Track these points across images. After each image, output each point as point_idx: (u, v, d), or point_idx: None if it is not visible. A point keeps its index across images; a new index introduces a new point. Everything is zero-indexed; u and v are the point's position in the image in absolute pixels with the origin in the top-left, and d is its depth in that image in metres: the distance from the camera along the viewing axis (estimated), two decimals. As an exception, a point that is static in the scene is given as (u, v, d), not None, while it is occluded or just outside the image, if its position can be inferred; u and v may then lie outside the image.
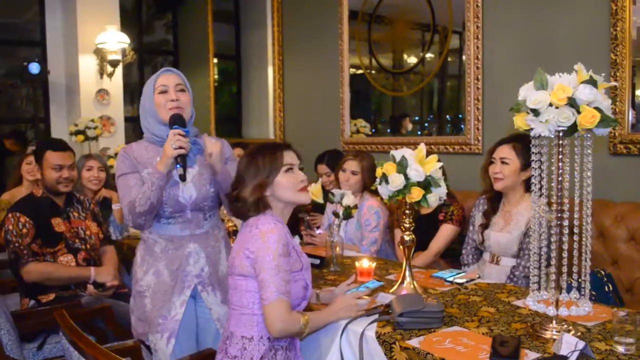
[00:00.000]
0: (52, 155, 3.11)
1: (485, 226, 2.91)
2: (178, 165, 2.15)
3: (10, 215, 2.99)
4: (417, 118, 4.78)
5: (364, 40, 4.94)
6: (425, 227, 3.21)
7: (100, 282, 3.07)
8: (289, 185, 1.98)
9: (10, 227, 2.96)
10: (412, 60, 4.66)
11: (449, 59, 4.31)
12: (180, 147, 2.14)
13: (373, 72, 4.93)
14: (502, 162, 2.81)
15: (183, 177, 2.17)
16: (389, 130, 4.99)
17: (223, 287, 2.33)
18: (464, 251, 3.09)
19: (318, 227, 3.72)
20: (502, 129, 3.33)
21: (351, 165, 3.47)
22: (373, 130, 5.03)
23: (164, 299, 2.28)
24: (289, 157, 2.01)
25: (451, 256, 3.29)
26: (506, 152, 2.82)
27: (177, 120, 2.21)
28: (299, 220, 3.78)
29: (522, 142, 2.76)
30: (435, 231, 3.27)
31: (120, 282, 3.60)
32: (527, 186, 2.78)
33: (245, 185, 1.98)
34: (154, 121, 2.31)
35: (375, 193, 3.39)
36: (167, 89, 2.28)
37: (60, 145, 3.19)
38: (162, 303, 2.28)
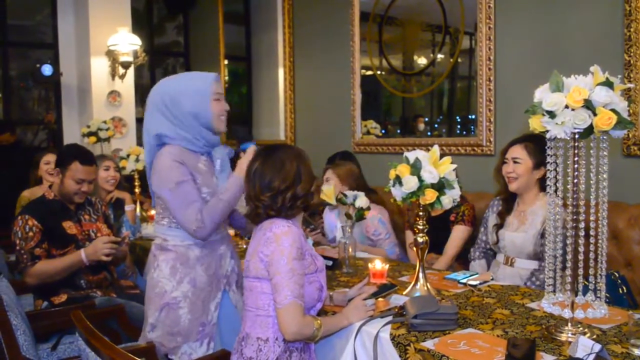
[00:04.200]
0: (78, 167, 3.05)
1: (499, 226, 2.91)
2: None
3: (19, 217, 2.99)
4: (426, 119, 4.77)
5: (375, 42, 4.94)
6: (436, 228, 3.21)
7: (94, 259, 2.96)
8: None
9: (18, 230, 2.96)
10: (422, 61, 4.65)
11: (460, 60, 4.31)
12: None
13: (383, 73, 4.92)
14: (515, 162, 2.83)
15: None
16: (398, 131, 4.99)
17: None
18: (472, 249, 3.11)
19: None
20: (514, 130, 3.32)
21: (326, 174, 3.63)
22: (383, 131, 5.03)
23: (203, 306, 2.29)
24: None
25: (464, 257, 3.29)
26: (518, 151, 2.84)
27: (244, 135, 2.31)
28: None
29: (534, 141, 2.80)
30: (447, 232, 3.27)
31: (134, 283, 3.63)
32: (541, 185, 2.80)
33: (304, 182, 1.99)
34: (203, 128, 2.31)
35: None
36: (221, 97, 2.33)
37: (89, 159, 3.12)
38: (201, 311, 2.29)
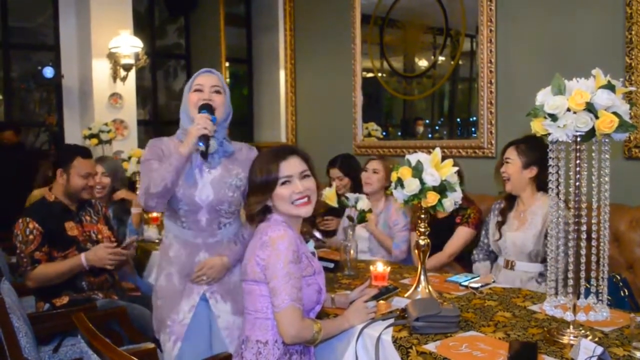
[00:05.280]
0: (81, 162, 3.09)
1: (502, 223, 2.93)
2: (201, 143, 2.18)
3: (20, 220, 2.98)
4: (427, 121, 4.77)
5: (376, 44, 4.95)
6: (442, 230, 3.21)
7: (96, 266, 2.98)
8: (285, 199, 1.94)
9: (18, 232, 2.95)
10: (423, 63, 4.66)
11: (461, 63, 4.31)
12: (205, 128, 2.17)
13: (385, 75, 4.93)
14: (506, 162, 2.90)
15: (205, 154, 2.20)
16: (399, 134, 5.00)
17: (235, 297, 2.32)
18: (474, 251, 3.12)
19: (333, 231, 3.75)
20: (515, 133, 3.32)
21: (373, 164, 3.58)
22: (384, 133, 5.03)
23: (172, 303, 2.31)
24: (288, 167, 1.96)
25: (466, 260, 3.28)
26: (509, 152, 2.91)
27: (205, 107, 2.25)
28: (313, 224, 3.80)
29: (525, 142, 2.85)
30: (452, 234, 3.26)
31: (134, 285, 3.63)
32: (538, 185, 2.83)
33: (249, 197, 2.01)
34: (186, 118, 2.33)
35: None
36: (202, 88, 2.32)
37: (88, 153, 3.20)
38: (171, 306, 2.32)
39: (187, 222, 2.31)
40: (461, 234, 3.23)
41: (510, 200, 2.97)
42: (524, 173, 2.84)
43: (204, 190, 2.28)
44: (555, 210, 1.83)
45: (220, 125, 2.32)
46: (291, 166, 1.96)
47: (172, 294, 2.32)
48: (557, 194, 1.81)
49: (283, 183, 1.95)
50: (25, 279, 2.96)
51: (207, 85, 2.31)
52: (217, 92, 2.33)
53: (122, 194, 4.13)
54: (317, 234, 3.53)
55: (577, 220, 1.79)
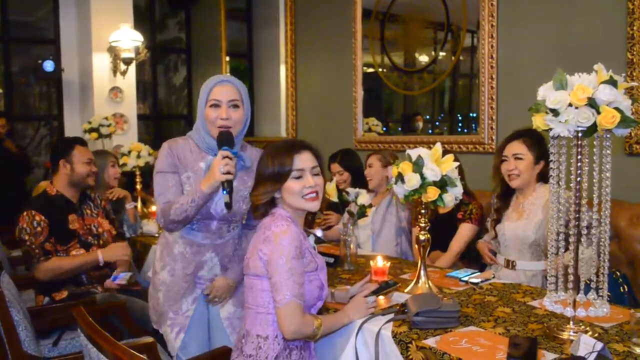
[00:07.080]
0: (81, 150, 3.21)
1: (497, 221, 2.91)
2: (224, 192, 2.09)
3: (25, 213, 3.00)
4: (427, 117, 4.77)
5: (377, 39, 4.93)
6: (444, 226, 3.20)
7: (110, 261, 3.12)
8: (296, 192, 1.95)
9: (25, 225, 2.97)
10: (424, 58, 4.65)
11: (462, 58, 4.30)
12: (228, 172, 2.08)
13: (385, 70, 4.92)
14: (516, 158, 2.80)
15: (229, 205, 2.11)
16: (399, 129, 4.99)
17: (236, 290, 2.37)
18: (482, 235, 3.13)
19: (331, 226, 3.75)
20: (516, 128, 3.32)
21: (369, 159, 3.61)
22: (384, 128, 5.03)
23: (175, 297, 2.33)
24: (301, 161, 1.96)
25: (469, 256, 3.27)
26: (518, 147, 2.81)
27: (225, 139, 2.15)
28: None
29: (530, 136, 2.78)
30: (454, 230, 3.25)
31: (134, 279, 3.63)
32: (538, 178, 2.81)
33: (258, 187, 2.00)
34: (203, 131, 2.28)
35: None
36: (220, 104, 2.21)
37: (85, 142, 3.33)
38: (173, 300, 2.33)
39: (197, 226, 2.32)
40: (464, 231, 3.20)
41: (506, 197, 2.94)
42: (535, 168, 2.80)
43: (219, 204, 2.26)
44: (556, 205, 1.83)
45: (238, 136, 2.27)
46: (304, 160, 1.98)
47: (175, 290, 2.33)
48: (558, 189, 1.81)
49: (295, 176, 1.96)
50: (36, 270, 2.98)
51: (224, 101, 2.21)
52: (235, 106, 2.23)
53: (118, 192, 4.11)
54: (318, 233, 3.52)
55: (577, 216, 1.78)
